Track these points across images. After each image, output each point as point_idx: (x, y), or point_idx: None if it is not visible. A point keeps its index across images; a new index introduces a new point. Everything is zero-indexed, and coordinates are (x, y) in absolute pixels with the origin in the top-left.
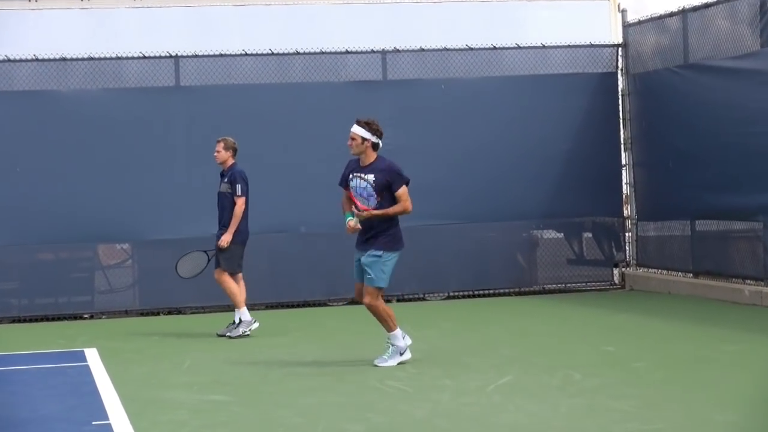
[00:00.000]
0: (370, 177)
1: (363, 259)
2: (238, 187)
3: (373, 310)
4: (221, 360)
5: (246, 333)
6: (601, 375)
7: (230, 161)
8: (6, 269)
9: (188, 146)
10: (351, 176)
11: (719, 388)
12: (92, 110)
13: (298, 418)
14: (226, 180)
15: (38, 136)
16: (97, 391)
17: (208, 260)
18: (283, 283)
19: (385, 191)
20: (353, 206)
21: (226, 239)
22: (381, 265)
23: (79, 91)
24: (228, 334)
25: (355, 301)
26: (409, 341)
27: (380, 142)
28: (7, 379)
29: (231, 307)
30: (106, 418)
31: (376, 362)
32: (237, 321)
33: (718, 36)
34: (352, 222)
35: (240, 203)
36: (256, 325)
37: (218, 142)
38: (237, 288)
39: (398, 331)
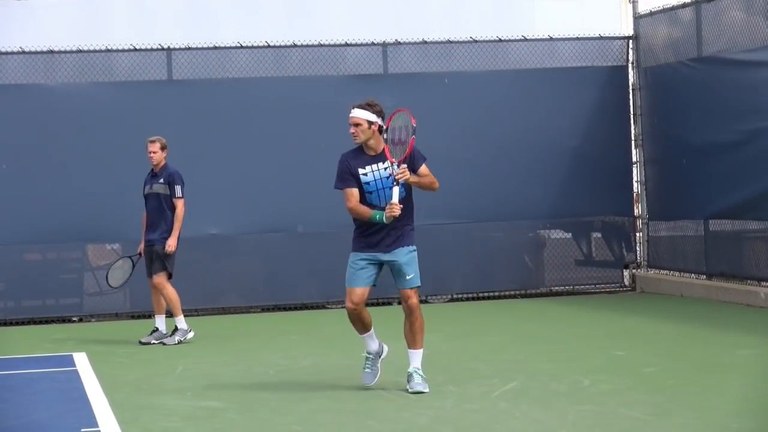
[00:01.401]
0: (396, 165)
1: (400, 259)
2: (178, 188)
3: (419, 314)
4: (215, 365)
5: (181, 340)
6: (610, 381)
7: (163, 161)
8: None
9: (181, 142)
10: (362, 172)
11: (734, 395)
12: (81, 105)
13: (296, 426)
14: (161, 181)
15: (25, 131)
16: (87, 397)
17: (133, 265)
18: (279, 284)
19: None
20: (387, 204)
21: (173, 243)
22: (416, 261)
23: (68, 84)
24: (164, 341)
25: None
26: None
27: (384, 125)
28: None
29: (226, 310)
30: (96, 425)
31: (418, 388)
32: (162, 329)
33: (733, 28)
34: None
35: (182, 205)
36: (191, 334)
37: (152, 142)
38: (176, 295)
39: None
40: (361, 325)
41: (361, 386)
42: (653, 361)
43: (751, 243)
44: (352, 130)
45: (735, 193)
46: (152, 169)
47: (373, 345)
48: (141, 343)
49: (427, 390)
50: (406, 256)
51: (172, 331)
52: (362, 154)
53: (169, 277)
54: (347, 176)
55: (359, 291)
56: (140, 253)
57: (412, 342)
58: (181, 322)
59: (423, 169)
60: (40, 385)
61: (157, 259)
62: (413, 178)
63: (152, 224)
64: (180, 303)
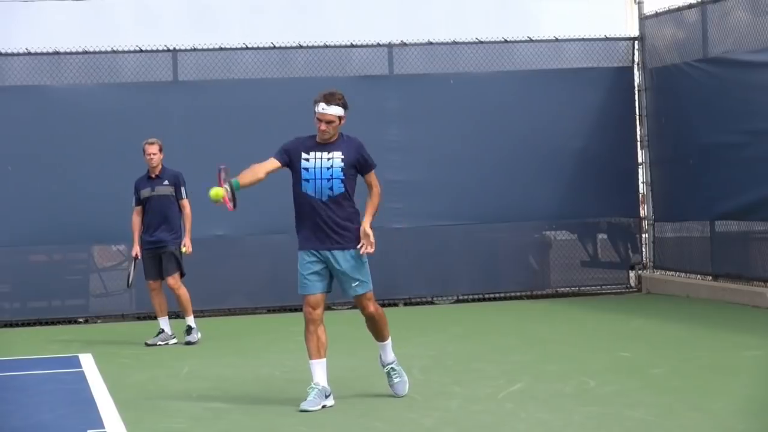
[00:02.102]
0: (338, 155)
1: (341, 264)
2: (184, 189)
3: (380, 316)
4: (221, 366)
5: (160, 344)
6: (616, 382)
7: (161, 163)
8: None
9: (186, 144)
10: (303, 156)
11: (740, 396)
12: (87, 106)
13: (302, 427)
14: (165, 183)
15: (30, 132)
16: (93, 398)
17: (134, 267)
18: (285, 285)
19: (351, 173)
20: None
21: (189, 244)
22: (364, 265)
23: (74, 86)
24: (188, 339)
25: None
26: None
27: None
28: None
29: (232, 311)
30: (102, 426)
31: (399, 392)
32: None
33: (739, 28)
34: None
35: (188, 205)
36: (174, 340)
37: (151, 144)
38: (187, 295)
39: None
40: (315, 344)
41: (366, 387)
42: (659, 363)
43: (758, 244)
44: (324, 127)
45: (741, 193)
46: (148, 172)
47: (322, 377)
48: (147, 344)
49: (407, 388)
50: (349, 262)
51: (189, 330)
52: (312, 140)
53: (182, 276)
54: (281, 150)
55: (317, 298)
56: (136, 257)
57: (379, 335)
58: (192, 320)
59: (369, 177)
60: (46, 386)
61: (171, 260)
62: (370, 232)
63: (157, 226)
64: (190, 305)
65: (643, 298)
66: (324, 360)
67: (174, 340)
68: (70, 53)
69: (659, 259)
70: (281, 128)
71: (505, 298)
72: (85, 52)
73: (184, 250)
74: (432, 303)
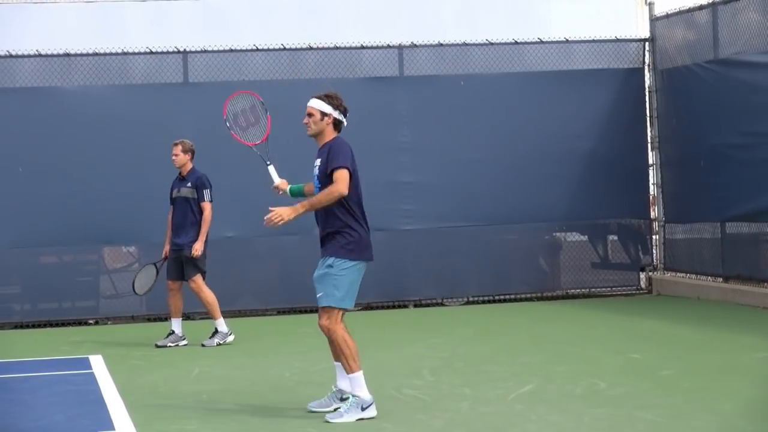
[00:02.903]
0: (318, 161)
1: (316, 271)
2: (206, 192)
3: (331, 337)
4: (231, 367)
5: (221, 343)
6: (626, 384)
7: (189, 165)
8: (8, 273)
9: (197, 145)
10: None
11: (750, 398)
12: (97, 107)
13: (312, 429)
14: (189, 185)
15: (41, 134)
16: (103, 400)
17: (157, 271)
18: (295, 287)
19: (328, 180)
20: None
21: (199, 248)
22: (332, 278)
23: (84, 87)
24: (203, 342)
25: (370, 306)
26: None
27: (344, 120)
28: (10, 387)
29: (242, 313)
30: (112, 427)
31: (328, 418)
32: (215, 330)
33: (749, 30)
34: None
35: (209, 209)
36: (231, 337)
37: (175, 145)
38: (214, 297)
39: (360, 375)
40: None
41: (376, 389)
42: (669, 364)
43: None
44: (305, 119)
45: (752, 195)
46: (179, 173)
47: (343, 383)
48: (157, 346)
49: (332, 419)
50: (320, 270)
51: (212, 334)
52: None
53: (204, 278)
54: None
55: None
56: (165, 257)
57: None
58: (221, 325)
59: (337, 173)
60: (56, 388)
61: (188, 264)
62: (296, 213)
63: (179, 228)
64: (217, 306)
65: (653, 300)
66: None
67: (184, 342)
68: (81, 55)
69: (670, 260)
70: (291, 130)
71: (515, 300)
72: (96, 54)
73: (193, 253)
74: (442, 304)
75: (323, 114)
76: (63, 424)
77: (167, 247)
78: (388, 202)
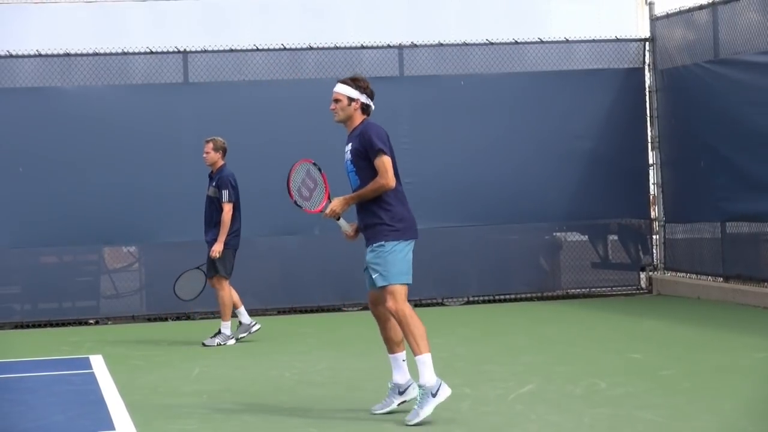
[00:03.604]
0: (349, 146)
1: (366, 257)
2: (225, 193)
3: (399, 318)
4: (232, 367)
5: (221, 344)
6: (627, 384)
7: (219, 163)
8: (8, 273)
9: (197, 145)
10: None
11: (751, 398)
12: (97, 108)
13: (313, 429)
14: (214, 184)
15: (41, 134)
16: (103, 400)
17: (205, 274)
18: (296, 287)
19: (362, 163)
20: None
21: (217, 249)
22: (384, 258)
23: (84, 87)
24: (204, 341)
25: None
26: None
27: (372, 104)
28: (10, 387)
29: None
30: (112, 427)
31: (407, 421)
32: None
33: (750, 30)
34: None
35: (228, 210)
36: (232, 341)
37: (207, 142)
38: (230, 300)
39: (429, 357)
40: (384, 337)
41: (378, 388)
42: (670, 364)
43: None
44: (332, 105)
45: (752, 195)
46: (211, 171)
47: (396, 374)
48: (236, 339)
49: (409, 421)
50: (371, 254)
51: (214, 334)
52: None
53: (226, 278)
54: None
55: (370, 293)
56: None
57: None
58: (226, 327)
59: (377, 161)
60: (56, 388)
61: (211, 262)
62: (347, 204)
63: (206, 227)
64: (230, 310)
65: (653, 300)
66: (397, 355)
67: (257, 327)
68: (81, 55)
69: (670, 260)
70: (291, 129)
71: (515, 300)
72: (96, 54)
73: (211, 254)
74: (442, 304)
75: (350, 99)
76: (63, 424)
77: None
78: None
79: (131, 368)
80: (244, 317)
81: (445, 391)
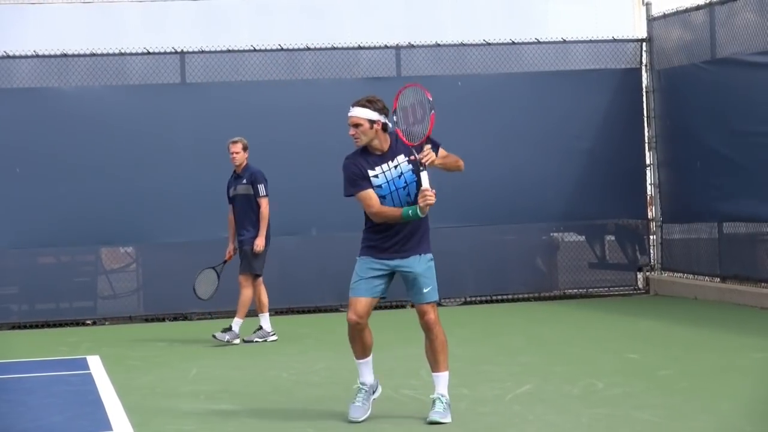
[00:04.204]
0: (401, 158)
1: (416, 269)
2: (261, 187)
3: (439, 331)
4: (229, 368)
5: (230, 341)
6: (624, 384)
7: (245, 162)
8: (5, 273)
9: (194, 145)
10: (372, 174)
11: (748, 398)
12: (94, 108)
13: (310, 429)
14: (245, 181)
15: (38, 135)
16: (101, 401)
17: (218, 274)
18: (293, 288)
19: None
20: (417, 193)
21: (260, 243)
22: (433, 272)
23: (81, 88)
24: (215, 334)
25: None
26: None
27: (389, 123)
28: (7, 388)
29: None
30: (110, 428)
31: (437, 418)
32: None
33: (746, 30)
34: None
35: (266, 204)
36: (238, 341)
37: (234, 143)
38: (250, 300)
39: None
40: (361, 345)
41: None
42: (667, 364)
43: (766, 246)
44: (352, 131)
45: (749, 195)
46: (234, 171)
47: (369, 376)
48: (245, 341)
49: (446, 420)
50: (425, 266)
51: (225, 329)
52: (369, 155)
53: (257, 277)
54: (359, 179)
55: (364, 301)
56: (227, 259)
57: (434, 363)
58: (237, 325)
59: (442, 151)
60: (54, 389)
61: (244, 259)
62: (438, 160)
63: (240, 225)
64: (246, 309)
65: (650, 300)
66: (369, 358)
67: (274, 337)
68: (78, 55)
69: (667, 260)
70: (289, 130)
71: (512, 300)
72: (93, 55)
73: (255, 248)
74: (439, 305)
75: (371, 122)
76: (61, 425)
77: (231, 247)
78: None
79: (129, 369)
80: (266, 322)
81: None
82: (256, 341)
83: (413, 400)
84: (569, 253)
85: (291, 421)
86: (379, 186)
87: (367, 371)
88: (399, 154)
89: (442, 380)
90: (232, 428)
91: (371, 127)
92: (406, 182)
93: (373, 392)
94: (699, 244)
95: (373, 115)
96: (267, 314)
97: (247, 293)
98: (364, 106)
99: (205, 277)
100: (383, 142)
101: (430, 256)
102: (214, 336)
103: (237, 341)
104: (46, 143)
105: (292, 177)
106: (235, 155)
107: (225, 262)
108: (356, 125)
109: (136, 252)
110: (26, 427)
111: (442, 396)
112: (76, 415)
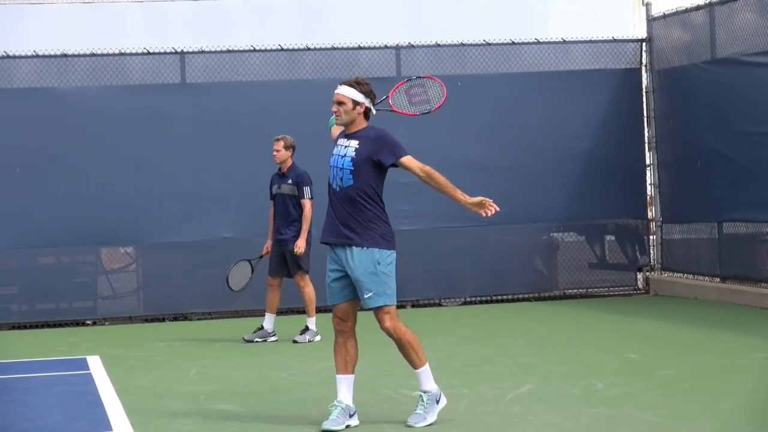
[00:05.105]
0: (353, 143)
1: (352, 266)
2: (307, 189)
3: (400, 336)
4: (229, 368)
5: (311, 340)
6: (624, 384)
7: (290, 161)
8: (5, 273)
9: (194, 145)
10: (335, 148)
11: (748, 398)
12: (94, 108)
13: (310, 429)
14: (290, 182)
15: (38, 135)
16: (101, 401)
17: (252, 268)
18: (292, 288)
19: (365, 166)
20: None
21: (301, 245)
22: (383, 276)
23: (81, 88)
24: (295, 338)
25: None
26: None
27: (373, 109)
28: (7, 388)
29: (239, 313)
30: (110, 428)
31: (411, 423)
32: (305, 327)
33: (746, 30)
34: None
35: (309, 206)
36: (318, 337)
37: (277, 140)
38: (314, 296)
39: (428, 367)
40: (342, 357)
41: (374, 389)
42: (667, 364)
43: (765, 246)
44: (335, 108)
45: (749, 195)
46: (279, 169)
47: (347, 395)
48: (245, 340)
49: (420, 423)
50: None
51: (302, 330)
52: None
53: (308, 273)
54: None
55: (341, 307)
56: (263, 254)
57: (409, 363)
58: (312, 323)
59: (405, 159)
60: (54, 389)
61: (291, 260)
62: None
63: (281, 224)
64: (314, 305)
65: (650, 300)
66: (351, 376)
67: (274, 338)
68: (78, 55)
69: (667, 260)
70: (289, 130)
71: (512, 300)
72: (93, 55)
73: (295, 250)
74: (439, 305)
75: (355, 103)
76: (61, 425)
77: (268, 243)
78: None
79: (129, 369)
80: (269, 323)
81: (444, 399)
82: (257, 341)
83: (412, 400)
84: (569, 253)
85: (291, 421)
86: (332, 155)
87: (344, 389)
88: (357, 139)
89: (420, 377)
90: (231, 428)
91: (353, 108)
92: (342, 165)
93: (350, 415)
94: (699, 244)
95: (359, 97)
96: (274, 316)
97: (308, 291)
98: (351, 86)
99: (239, 269)
100: (357, 125)
101: (376, 253)
102: (294, 340)
103: (318, 338)
104: (46, 143)
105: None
106: (275, 153)
107: (261, 256)
108: (340, 103)
109: (136, 252)
110: (26, 427)
111: (423, 393)
112: (76, 415)
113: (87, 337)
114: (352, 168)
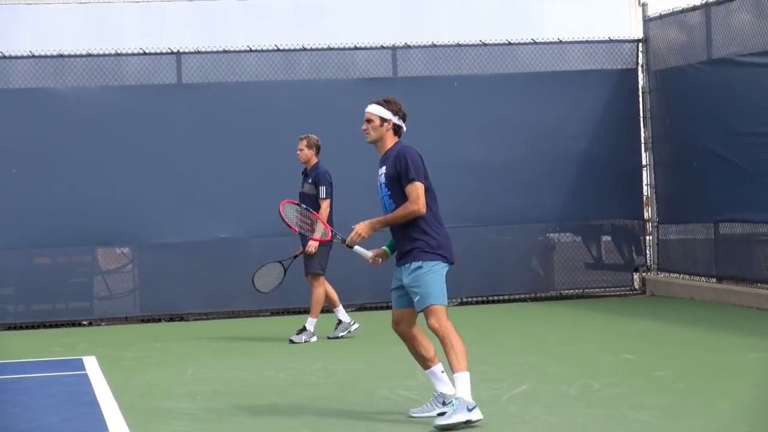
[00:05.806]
0: (382, 169)
1: (403, 279)
2: (323, 189)
3: (445, 336)
4: (226, 368)
5: (307, 341)
6: (620, 384)
7: (314, 160)
8: (2, 274)
9: (190, 146)
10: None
11: (744, 398)
12: (91, 109)
13: (306, 429)
14: (310, 180)
15: (35, 135)
16: (97, 401)
17: (285, 269)
18: (289, 288)
19: (396, 187)
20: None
21: (313, 244)
22: (425, 278)
23: (78, 88)
24: (292, 338)
25: (365, 307)
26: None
27: (404, 125)
28: (3, 389)
29: (236, 314)
30: (106, 429)
31: (436, 422)
32: (303, 327)
33: (743, 31)
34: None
35: (325, 206)
36: (314, 338)
37: (301, 139)
38: (323, 298)
39: (468, 375)
40: (416, 356)
41: (371, 389)
42: (663, 365)
43: (762, 246)
44: (364, 126)
45: (745, 196)
46: (305, 168)
47: (440, 385)
48: (329, 338)
49: (444, 422)
50: (409, 276)
51: (299, 330)
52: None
53: (321, 274)
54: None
55: (396, 312)
56: (297, 254)
57: (449, 365)
58: (311, 324)
59: (408, 187)
60: (50, 389)
61: (307, 259)
62: (373, 228)
63: None
64: (320, 307)
65: (647, 300)
66: (433, 368)
67: (355, 326)
68: (74, 56)
69: (663, 261)
70: (285, 130)
71: (509, 301)
72: (89, 55)
73: (307, 249)
74: None
75: (383, 120)
76: (57, 426)
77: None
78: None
79: (125, 369)
80: (343, 315)
81: (478, 414)
82: (340, 336)
83: (409, 401)
84: (565, 253)
85: (287, 421)
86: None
87: (434, 380)
88: (384, 164)
89: (456, 382)
90: (228, 428)
91: (381, 125)
92: (382, 194)
93: (444, 402)
94: (695, 244)
95: (386, 114)
96: (341, 307)
97: (316, 292)
98: (379, 104)
99: (269, 271)
100: (384, 146)
101: (417, 264)
102: (291, 340)
103: (314, 339)
104: (43, 144)
105: (288, 177)
106: (299, 152)
107: (295, 257)
108: (368, 120)
109: (132, 253)
110: (22, 427)
111: (455, 399)
112: (72, 415)
113: (83, 338)
114: (389, 193)
